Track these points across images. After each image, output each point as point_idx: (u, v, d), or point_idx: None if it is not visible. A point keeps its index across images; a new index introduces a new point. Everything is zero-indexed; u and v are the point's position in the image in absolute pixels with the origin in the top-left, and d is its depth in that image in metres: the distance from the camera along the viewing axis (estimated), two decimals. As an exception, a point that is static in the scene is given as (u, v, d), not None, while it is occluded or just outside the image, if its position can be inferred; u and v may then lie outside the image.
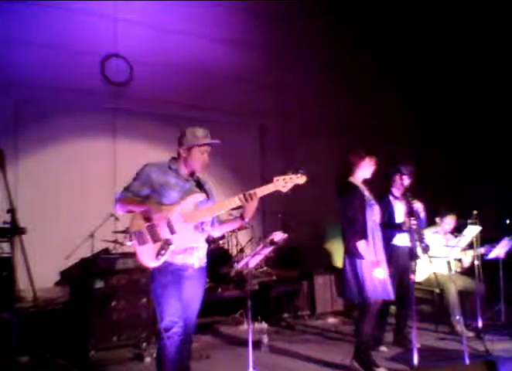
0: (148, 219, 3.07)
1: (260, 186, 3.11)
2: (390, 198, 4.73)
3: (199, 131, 3.23)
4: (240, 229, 6.18)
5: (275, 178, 3.11)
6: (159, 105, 7.40)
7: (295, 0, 8.43)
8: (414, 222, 3.96)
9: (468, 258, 5.31)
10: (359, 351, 4.05)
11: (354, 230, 3.97)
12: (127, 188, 3.19)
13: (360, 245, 3.94)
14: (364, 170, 4.16)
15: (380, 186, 4.83)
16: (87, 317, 4.60)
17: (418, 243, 4.17)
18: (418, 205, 4.46)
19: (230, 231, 6.21)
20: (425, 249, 4.31)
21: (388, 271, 4.09)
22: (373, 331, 4.15)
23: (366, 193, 4.13)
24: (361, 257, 3.94)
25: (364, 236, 3.95)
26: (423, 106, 9.85)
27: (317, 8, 8.75)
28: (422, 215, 4.56)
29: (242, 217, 3.20)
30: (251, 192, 3.09)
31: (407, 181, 4.65)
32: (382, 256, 4.04)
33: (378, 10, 9.26)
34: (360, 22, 9.26)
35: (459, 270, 5.43)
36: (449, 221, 5.37)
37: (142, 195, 3.16)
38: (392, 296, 4.05)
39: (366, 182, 4.23)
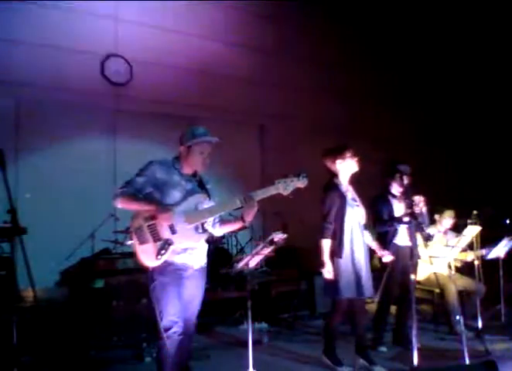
0: (151, 217, 3.06)
1: (260, 187, 3.11)
2: (390, 197, 4.73)
3: (199, 129, 3.24)
4: (240, 229, 6.16)
5: (276, 181, 3.10)
6: (159, 105, 7.40)
7: (296, 1, 8.44)
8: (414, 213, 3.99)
9: (469, 258, 5.31)
10: (327, 346, 4.12)
11: (322, 228, 4.05)
12: (129, 183, 3.14)
13: (322, 243, 4.02)
14: (343, 170, 4.12)
15: (380, 186, 4.83)
16: (87, 317, 4.60)
17: (419, 233, 4.17)
18: (419, 199, 4.43)
19: (231, 231, 6.20)
20: (428, 238, 4.31)
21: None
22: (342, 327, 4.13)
23: (350, 194, 4.11)
24: (337, 255, 3.97)
25: (335, 237, 4.00)
26: (423, 106, 9.86)
27: (317, 8, 8.76)
28: (424, 209, 4.50)
29: (243, 219, 3.19)
30: (252, 194, 3.09)
31: (405, 180, 4.65)
32: (361, 256, 4.01)
33: (377, 10, 9.27)
34: (360, 24, 9.27)
35: (459, 264, 5.43)
36: (448, 217, 5.37)
37: (144, 193, 3.15)
38: (368, 294, 4.02)
39: (354, 182, 4.20)
